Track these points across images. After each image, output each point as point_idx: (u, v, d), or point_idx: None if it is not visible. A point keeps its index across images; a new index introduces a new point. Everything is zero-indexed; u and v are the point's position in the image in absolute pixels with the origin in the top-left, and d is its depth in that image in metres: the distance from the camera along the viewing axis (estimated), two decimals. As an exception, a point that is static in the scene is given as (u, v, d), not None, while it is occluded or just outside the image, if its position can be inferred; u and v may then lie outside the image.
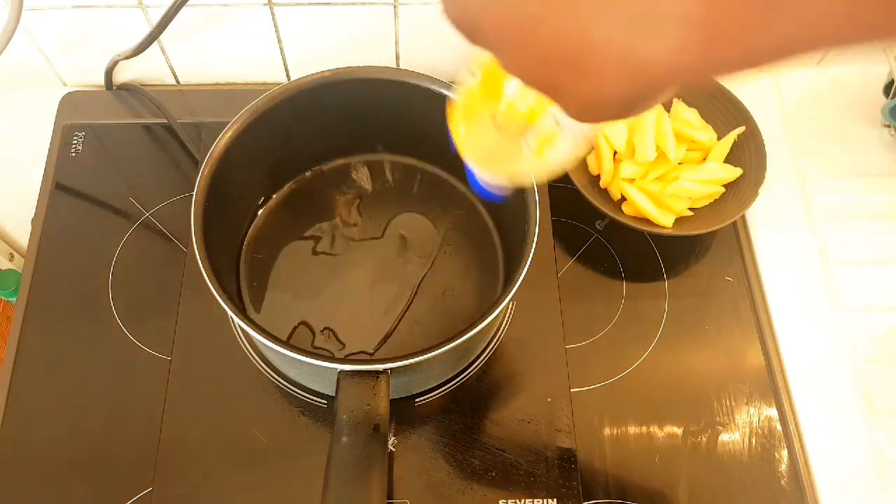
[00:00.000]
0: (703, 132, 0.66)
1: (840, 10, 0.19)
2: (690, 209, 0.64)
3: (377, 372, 0.45)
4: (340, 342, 0.57)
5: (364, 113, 0.59)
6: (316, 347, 0.57)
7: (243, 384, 0.57)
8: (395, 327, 0.58)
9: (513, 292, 0.47)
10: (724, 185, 0.65)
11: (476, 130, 0.36)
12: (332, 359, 0.45)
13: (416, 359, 0.44)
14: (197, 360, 0.57)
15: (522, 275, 0.47)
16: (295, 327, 0.58)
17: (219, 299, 0.46)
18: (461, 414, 0.57)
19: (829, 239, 0.66)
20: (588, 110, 0.25)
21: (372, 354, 0.57)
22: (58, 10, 0.63)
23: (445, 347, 0.45)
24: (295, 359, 0.44)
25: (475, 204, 0.64)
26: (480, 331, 0.46)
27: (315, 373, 0.53)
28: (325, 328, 0.58)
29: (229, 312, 0.45)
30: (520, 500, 0.53)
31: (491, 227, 0.62)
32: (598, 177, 0.66)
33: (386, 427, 0.44)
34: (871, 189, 0.69)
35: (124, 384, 0.57)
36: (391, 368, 0.45)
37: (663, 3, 0.20)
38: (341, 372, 0.45)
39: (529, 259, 0.48)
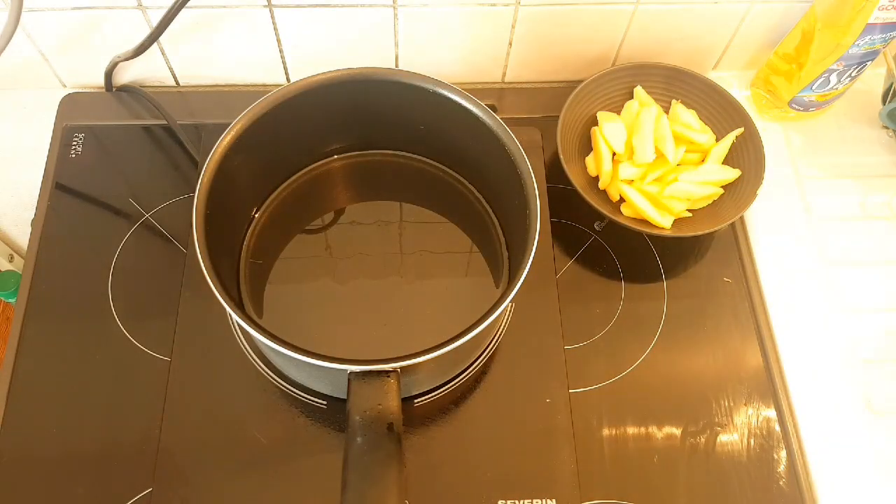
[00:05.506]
0: (702, 134, 0.66)
1: None
2: (689, 210, 0.64)
3: (387, 371, 0.45)
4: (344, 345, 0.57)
5: (364, 113, 0.60)
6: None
7: (243, 385, 0.57)
8: (397, 328, 0.58)
9: (513, 293, 0.47)
10: (722, 187, 0.65)
11: None
12: (342, 360, 0.45)
13: (426, 357, 0.45)
14: (197, 360, 0.57)
15: (523, 276, 0.47)
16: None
17: (225, 305, 0.46)
18: (460, 415, 0.57)
19: (828, 240, 0.66)
20: None
21: (377, 355, 0.57)
22: (57, 11, 0.63)
23: (453, 346, 0.45)
24: (304, 361, 0.44)
25: (475, 202, 0.64)
26: (483, 330, 0.46)
27: (322, 375, 0.53)
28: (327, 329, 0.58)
29: (238, 319, 0.45)
30: (519, 500, 0.53)
31: (492, 226, 0.63)
32: (596, 178, 0.66)
33: (399, 425, 0.44)
34: (869, 190, 0.69)
35: (124, 384, 0.57)
36: (401, 367, 0.45)
37: None
38: (352, 373, 0.45)
39: (530, 261, 0.48)
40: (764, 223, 0.67)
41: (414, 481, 0.54)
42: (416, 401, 0.57)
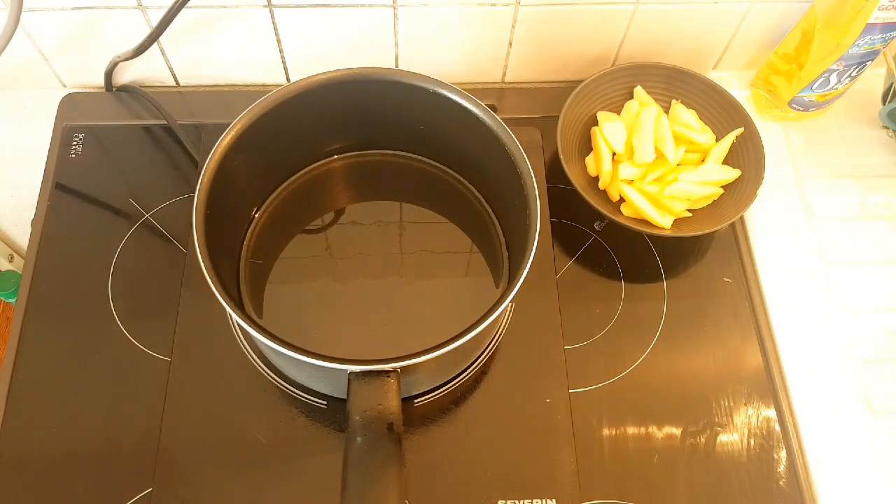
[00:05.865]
0: (702, 134, 0.66)
1: None
2: (689, 210, 0.64)
3: (387, 371, 0.45)
4: (344, 345, 0.57)
5: (364, 113, 0.60)
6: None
7: (243, 385, 0.57)
8: (397, 328, 0.58)
9: (513, 293, 0.47)
10: (722, 187, 0.65)
11: None
12: (342, 360, 0.45)
13: (425, 357, 0.45)
14: (197, 360, 0.57)
15: (523, 276, 0.47)
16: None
17: (225, 305, 0.46)
18: (460, 415, 0.57)
19: (828, 240, 0.66)
20: None
21: (377, 355, 0.57)
22: (57, 11, 0.63)
23: (453, 346, 0.45)
24: (304, 361, 0.44)
25: (475, 202, 0.64)
26: (483, 330, 0.46)
27: (322, 375, 0.53)
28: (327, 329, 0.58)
29: (238, 319, 0.45)
30: (519, 500, 0.53)
31: (492, 226, 0.63)
32: (596, 178, 0.66)
33: (399, 425, 0.44)
34: (869, 190, 0.69)
35: (124, 384, 0.57)
36: (401, 367, 0.45)
37: None
38: (352, 373, 0.45)
39: (530, 261, 0.48)
40: (764, 223, 0.67)
41: (414, 481, 0.54)
42: (416, 401, 0.57)
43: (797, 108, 0.70)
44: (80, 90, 0.72)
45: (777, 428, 0.58)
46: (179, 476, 0.53)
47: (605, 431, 0.57)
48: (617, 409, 0.58)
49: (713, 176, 0.64)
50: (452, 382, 0.58)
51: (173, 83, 0.73)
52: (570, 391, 0.58)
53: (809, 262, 0.65)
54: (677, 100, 0.69)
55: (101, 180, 0.66)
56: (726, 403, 0.59)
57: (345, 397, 0.45)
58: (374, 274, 0.60)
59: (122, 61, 0.67)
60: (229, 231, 0.59)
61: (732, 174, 0.64)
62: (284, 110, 0.55)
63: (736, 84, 0.75)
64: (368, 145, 0.65)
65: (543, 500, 0.53)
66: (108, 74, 0.70)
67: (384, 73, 0.56)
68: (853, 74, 0.66)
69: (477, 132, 0.55)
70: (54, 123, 0.69)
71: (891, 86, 0.70)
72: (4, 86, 0.72)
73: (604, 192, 0.66)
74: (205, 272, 0.47)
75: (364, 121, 0.61)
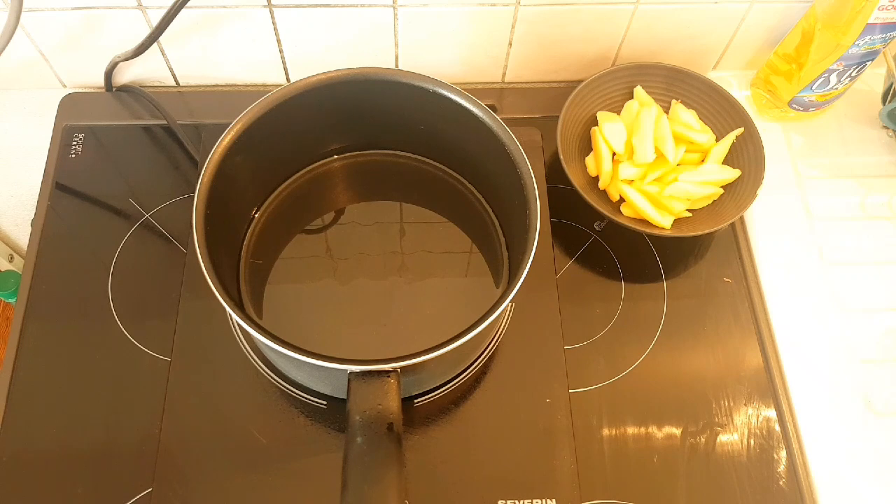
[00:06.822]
0: (702, 134, 0.66)
1: None
2: (689, 210, 0.64)
3: (387, 371, 0.45)
4: (344, 345, 0.57)
5: (364, 113, 0.60)
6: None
7: (243, 385, 0.57)
8: (397, 328, 0.58)
9: (513, 293, 0.47)
10: (722, 187, 0.65)
11: None
12: (342, 360, 0.45)
13: (425, 357, 0.45)
14: (197, 360, 0.57)
15: (523, 276, 0.47)
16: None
17: (225, 305, 0.46)
18: (460, 415, 0.57)
19: (828, 240, 0.66)
20: None
21: (377, 355, 0.57)
22: (57, 11, 0.63)
23: (453, 346, 0.45)
24: (304, 361, 0.44)
25: (475, 202, 0.64)
26: (483, 330, 0.46)
27: (322, 375, 0.53)
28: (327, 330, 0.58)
29: (238, 319, 0.45)
30: (519, 501, 0.53)
31: (492, 226, 0.63)
32: (596, 178, 0.66)
33: (399, 426, 0.44)
34: (869, 190, 0.69)
35: (124, 384, 0.57)
36: (401, 367, 0.45)
37: None
38: (352, 373, 0.45)
39: (530, 261, 0.48)
40: (764, 223, 0.67)
41: (414, 481, 0.54)
42: (416, 401, 0.57)
43: (797, 108, 0.70)
44: (80, 90, 0.72)
45: (777, 428, 0.58)
46: (179, 476, 0.53)
47: (605, 431, 0.57)
48: (617, 409, 0.58)
49: (713, 176, 0.64)
50: (452, 382, 0.58)
51: (173, 83, 0.73)
52: (570, 391, 0.58)
53: (809, 262, 0.65)
54: (677, 100, 0.69)
55: (101, 180, 0.66)
56: (726, 403, 0.59)
57: (345, 397, 0.45)
58: (374, 274, 0.60)
59: (122, 61, 0.67)
60: (229, 231, 0.59)
61: (732, 174, 0.64)
62: (284, 110, 0.55)
63: (736, 84, 0.75)
64: (368, 145, 0.65)
65: (543, 500, 0.53)
66: (108, 74, 0.70)
67: (384, 73, 0.56)
68: (853, 74, 0.66)
69: (477, 132, 0.55)
70: (54, 123, 0.69)
71: (891, 86, 0.70)
72: (4, 86, 0.72)
73: (604, 192, 0.66)
74: (205, 272, 0.47)
75: (364, 121, 0.61)
